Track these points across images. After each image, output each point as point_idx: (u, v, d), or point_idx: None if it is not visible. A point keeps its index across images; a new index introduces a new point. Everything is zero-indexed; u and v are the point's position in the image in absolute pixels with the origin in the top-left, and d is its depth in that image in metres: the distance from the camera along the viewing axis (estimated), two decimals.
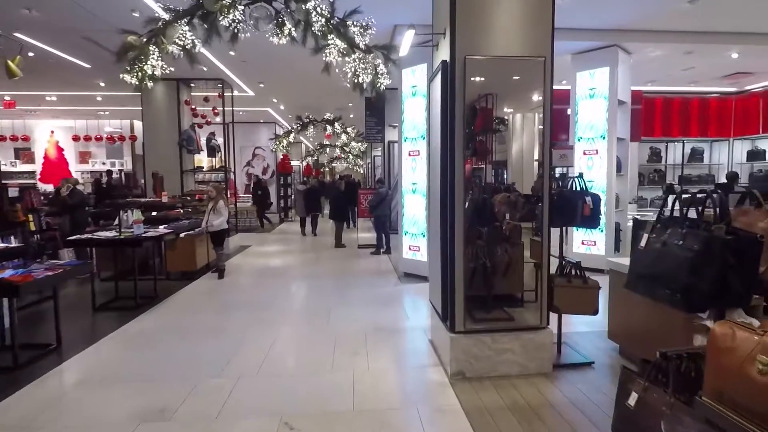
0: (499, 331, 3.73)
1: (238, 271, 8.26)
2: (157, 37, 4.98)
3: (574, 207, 3.70)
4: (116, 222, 6.54)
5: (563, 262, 3.92)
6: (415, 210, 7.16)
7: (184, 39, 4.95)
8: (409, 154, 7.16)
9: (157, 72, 5.10)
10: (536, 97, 3.79)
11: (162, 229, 6.90)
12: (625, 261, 3.97)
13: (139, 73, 5.02)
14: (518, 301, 4.22)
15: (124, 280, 6.39)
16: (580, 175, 3.91)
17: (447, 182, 3.76)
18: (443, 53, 3.92)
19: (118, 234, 6.11)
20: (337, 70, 5.31)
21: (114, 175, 13.61)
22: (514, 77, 3.90)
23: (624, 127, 7.79)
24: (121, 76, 5.11)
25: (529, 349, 3.71)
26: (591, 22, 6.82)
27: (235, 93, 11.55)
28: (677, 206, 2.07)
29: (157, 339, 4.83)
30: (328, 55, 5.11)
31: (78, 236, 6.25)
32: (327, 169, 28.65)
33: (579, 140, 7.65)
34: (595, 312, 3.75)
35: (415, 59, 6.67)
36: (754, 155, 10.84)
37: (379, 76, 5.45)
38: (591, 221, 3.82)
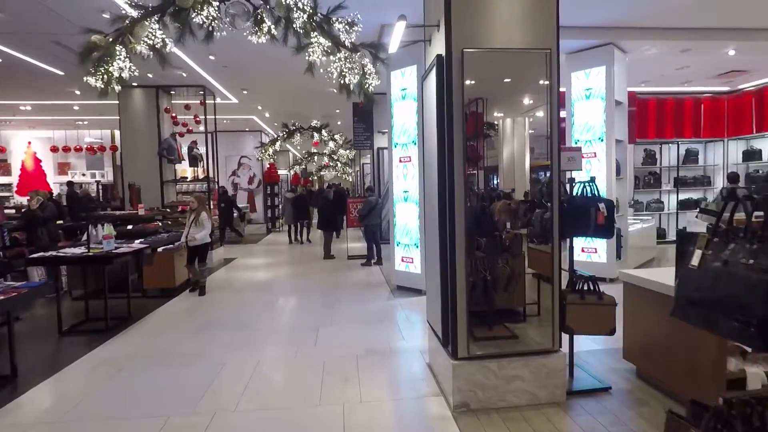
0: (506, 356, 3.31)
1: (221, 287, 7.77)
2: (125, 36, 4.57)
3: (587, 215, 3.33)
4: (85, 237, 6.04)
5: (574, 276, 3.53)
6: (407, 219, 6.77)
7: (153, 38, 4.55)
8: (400, 161, 6.79)
9: (125, 74, 4.66)
10: (541, 95, 3.43)
11: (137, 243, 6.44)
12: (639, 273, 3.61)
13: (105, 76, 4.57)
14: (520, 315, 3.87)
15: (96, 299, 5.91)
16: (592, 180, 3.53)
17: (445, 188, 3.37)
18: (437, 47, 3.56)
19: (86, 250, 5.63)
20: (321, 70, 4.92)
21: (90, 186, 13.06)
22: (516, 72, 3.55)
23: (621, 129, 7.51)
24: (84, 78, 4.67)
25: (541, 375, 3.30)
26: (586, 19, 6.56)
27: (218, 100, 11.14)
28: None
29: (126, 367, 4.36)
30: (311, 54, 4.73)
31: (41, 253, 5.76)
32: (315, 178, 28.20)
33: (576, 143, 7.35)
34: (612, 332, 3.36)
35: (404, 60, 6.35)
36: (750, 155, 10.61)
37: (367, 76, 5.06)
38: (605, 230, 3.43)
